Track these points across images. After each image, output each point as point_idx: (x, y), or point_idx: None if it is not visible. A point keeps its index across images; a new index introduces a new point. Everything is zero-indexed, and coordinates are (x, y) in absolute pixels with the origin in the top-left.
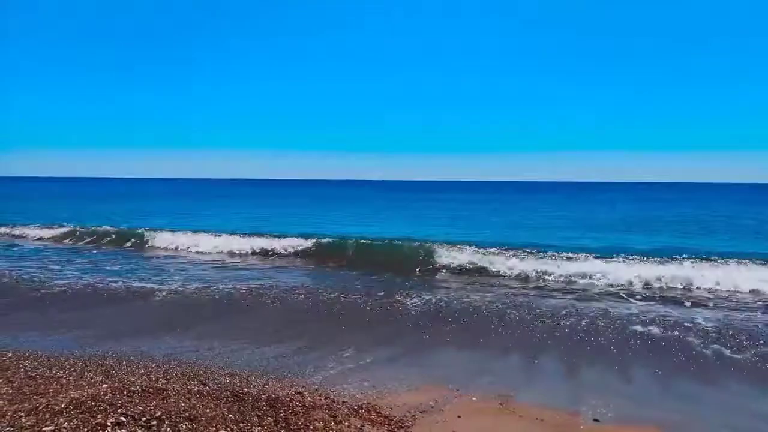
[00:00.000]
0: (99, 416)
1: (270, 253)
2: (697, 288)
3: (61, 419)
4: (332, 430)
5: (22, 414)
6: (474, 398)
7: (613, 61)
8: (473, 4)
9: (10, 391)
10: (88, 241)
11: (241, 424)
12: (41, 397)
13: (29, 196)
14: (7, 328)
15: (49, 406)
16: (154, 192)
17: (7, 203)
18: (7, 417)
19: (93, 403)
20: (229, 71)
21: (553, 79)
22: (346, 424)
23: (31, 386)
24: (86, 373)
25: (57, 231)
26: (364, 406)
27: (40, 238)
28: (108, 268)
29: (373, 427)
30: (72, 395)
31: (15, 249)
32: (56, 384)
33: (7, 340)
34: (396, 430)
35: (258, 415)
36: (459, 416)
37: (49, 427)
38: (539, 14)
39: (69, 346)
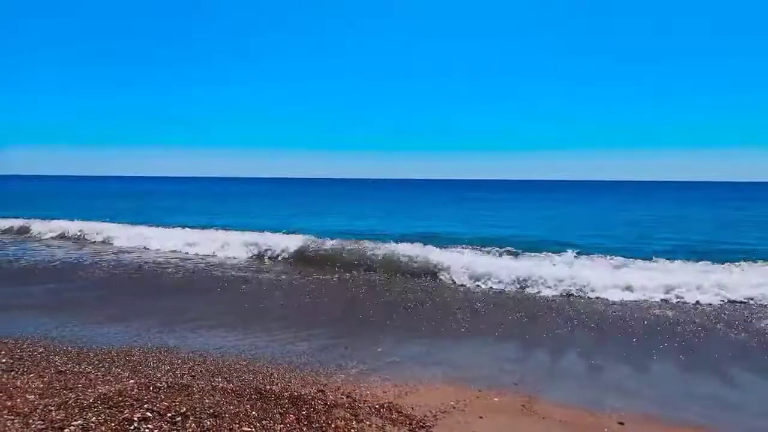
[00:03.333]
0: (126, 411)
1: (307, 252)
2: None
3: (89, 414)
4: (353, 428)
5: (53, 408)
6: (496, 399)
7: (630, 60)
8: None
9: (41, 386)
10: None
11: (263, 421)
12: (70, 392)
13: (35, 193)
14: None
15: (78, 401)
16: (172, 191)
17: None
18: (38, 411)
19: (120, 399)
20: (235, 70)
21: (557, 78)
22: (368, 423)
23: (60, 381)
24: (114, 369)
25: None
26: (385, 405)
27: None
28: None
29: (394, 426)
30: (100, 390)
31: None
32: (85, 379)
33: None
34: (417, 429)
35: (280, 413)
36: (481, 417)
37: (78, 422)
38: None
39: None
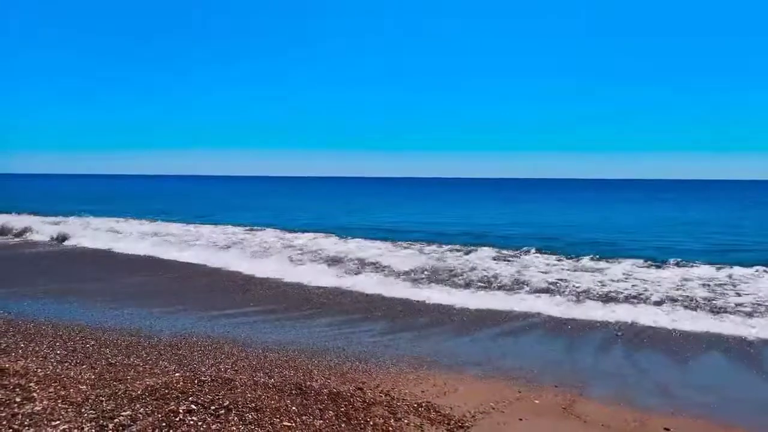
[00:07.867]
0: (172, 403)
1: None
2: None
3: (137, 405)
4: (392, 426)
5: (103, 399)
6: (536, 401)
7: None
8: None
9: (93, 377)
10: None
11: (303, 417)
12: (120, 383)
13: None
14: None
15: (127, 392)
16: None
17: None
18: (89, 401)
19: (166, 391)
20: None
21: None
22: (406, 421)
23: (111, 373)
24: (161, 362)
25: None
26: (423, 404)
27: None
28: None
29: (432, 425)
30: (147, 382)
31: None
32: (133, 371)
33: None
34: (455, 430)
35: (320, 409)
36: (520, 419)
37: (127, 412)
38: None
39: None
